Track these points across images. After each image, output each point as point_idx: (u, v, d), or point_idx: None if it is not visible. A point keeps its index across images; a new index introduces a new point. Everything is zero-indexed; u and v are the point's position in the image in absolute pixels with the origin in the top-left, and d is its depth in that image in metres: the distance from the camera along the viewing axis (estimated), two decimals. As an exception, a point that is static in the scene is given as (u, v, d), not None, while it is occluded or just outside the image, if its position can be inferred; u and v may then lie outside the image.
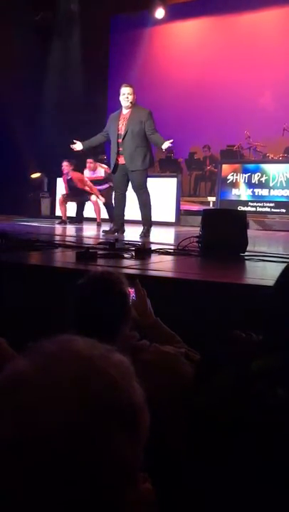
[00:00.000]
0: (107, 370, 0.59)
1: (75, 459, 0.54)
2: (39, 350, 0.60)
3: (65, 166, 7.79)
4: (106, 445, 0.56)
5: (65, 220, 7.84)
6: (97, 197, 7.73)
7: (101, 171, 8.00)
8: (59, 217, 8.19)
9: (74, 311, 1.38)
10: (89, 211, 8.16)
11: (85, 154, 7.62)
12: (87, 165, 8.05)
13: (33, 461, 0.54)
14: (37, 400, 0.55)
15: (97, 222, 7.73)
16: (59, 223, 7.74)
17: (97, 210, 7.84)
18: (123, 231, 5.80)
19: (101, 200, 7.77)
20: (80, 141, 5.96)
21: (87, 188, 7.78)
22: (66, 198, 7.99)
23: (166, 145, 5.54)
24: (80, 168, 8.02)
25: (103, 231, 6.09)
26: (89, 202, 7.98)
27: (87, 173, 8.02)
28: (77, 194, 7.87)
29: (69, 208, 8.07)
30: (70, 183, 7.91)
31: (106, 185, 7.96)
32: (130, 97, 5.58)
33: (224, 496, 0.71)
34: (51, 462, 0.54)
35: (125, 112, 5.63)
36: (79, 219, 8.04)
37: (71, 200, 8.01)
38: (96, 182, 7.97)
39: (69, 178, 7.87)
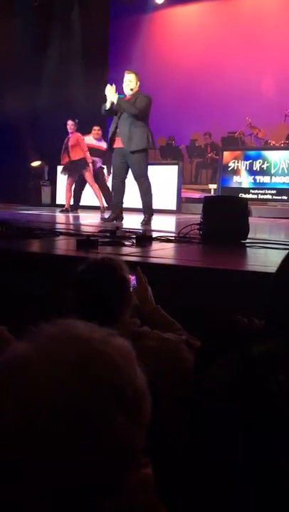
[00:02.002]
0: (108, 352, 0.59)
1: (76, 440, 0.54)
2: (40, 333, 0.60)
3: (71, 125, 7.73)
4: (107, 427, 0.56)
5: (67, 209, 7.82)
6: (88, 163, 7.61)
7: (104, 144, 7.95)
8: (61, 206, 8.16)
9: (74, 297, 1.38)
10: (87, 199, 8.13)
11: (91, 121, 7.62)
12: (93, 131, 7.97)
13: (34, 443, 0.54)
14: (38, 382, 0.55)
15: (101, 208, 7.61)
16: (61, 211, 7.72)
17: (98, 195, 7.78)
18: (122, 219, 5.77)
19: (89, 171, 7.66)
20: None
21: (81, 153, 7.67)
22: (69, 179, 7.88)
23: (114, 98, 5.44)
24: (82, 133, 7.97)
25: (101, 219, 6.07)
26: (87, 189, 7.94)
27: (90, 139, 7.94)
28: (73, 167, 7.76)
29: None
30: (66, 145, 7.82)
31: (99, 165, 7.89)
32: (131, 84, 5.52)
33: (224, 482, 0.72)
34: (52, 444, 0.54)
35: (128, 97, 5.59)
36: (75, 206, 7.99)
37: (70, 176, 7.86)
38: (96, 152, 7.88)
39: (68, 138, 7.80)
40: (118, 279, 1.39)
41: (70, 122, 7.76)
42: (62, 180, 8.59)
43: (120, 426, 0.56)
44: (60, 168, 8.84)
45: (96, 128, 8.01)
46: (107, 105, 5.60)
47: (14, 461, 0.54)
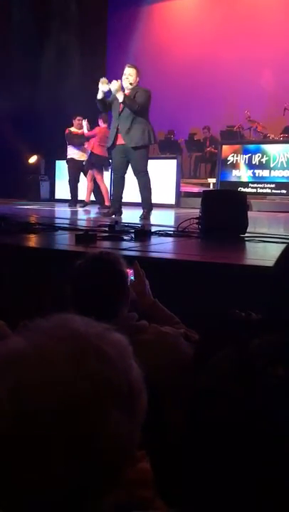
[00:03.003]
0: (103, 347, 0.58)
1: (71, 436, 0.54)
2: (35, 328, 0.60)
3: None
4: (102, 423, 0.55)
5: (88, 202, 7.83)
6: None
7: (95, 129, 7.96)
8: (59, 200, 8.15)
9: (72, 291, 1.37)
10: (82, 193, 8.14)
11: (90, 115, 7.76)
12: (79, 122, 8.03)
13: (26, 438, 0.54)
14: (32, 377, 0.55)
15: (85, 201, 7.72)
16: (82, 206, 7.71)
17: (89, 188, 7.82)
18: (120, 213, 5.78)
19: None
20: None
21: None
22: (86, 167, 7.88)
23: (120, 95, 5.42)
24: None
25: (100, 213, 6.07)
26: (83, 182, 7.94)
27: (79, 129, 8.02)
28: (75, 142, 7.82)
29: (66, 192, 8.04)
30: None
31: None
32: (130, 78, 5.50)
33: (223, 475, 0.72)
34: (44, 439, 0.54)
35: (126, 91, 5.57)
36: (73, 201, 7.97)
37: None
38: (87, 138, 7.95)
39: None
40: (115, 273, 1.39)
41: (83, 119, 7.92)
42: (64, 175, 8.63)
43: (115, 422, 0.56)
44: (58, 162, 8.85)
45: (83, 119, 8.04)
46: (99, 95, 5.61)
47: (6, 456, 0.54)
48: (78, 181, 8.08)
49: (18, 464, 0.54)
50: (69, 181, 8.10)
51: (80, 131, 8.00)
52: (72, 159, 8.03)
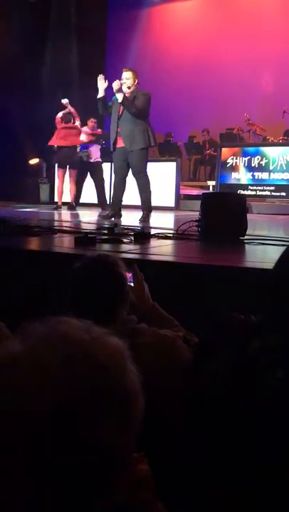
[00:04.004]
0: (96, 353, 0.58)
1: (59, 441, 0.54)
2: (31, 332, 0.60)
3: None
4: (92, 429, 0.55)
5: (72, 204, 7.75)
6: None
7: (98, 130, 7.91)
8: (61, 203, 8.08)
9: (71, 293, 1.37)
10: (85, 196, 8.11)
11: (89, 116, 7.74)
12: (91, 124, 7.95)
13: (16, 443, 0.53)
14: (24, 382, 0.55)
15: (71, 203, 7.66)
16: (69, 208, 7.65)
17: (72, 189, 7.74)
18: (120, 216, 5.78)
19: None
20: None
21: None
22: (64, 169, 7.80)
23: (120, 95, 5.42)
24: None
25: (99, 216, 6.07)
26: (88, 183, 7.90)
27: (85, 129, 7.92)
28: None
29: (66, 195, 7.98)
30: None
31: (98, 156, 7.84)
32: (128, 82, 5.51)
33: (221, 477, 0.72)
34: (34, 444, 0.53)
35: (126, 95, 5.58)
36: (74, 204, 7.93)
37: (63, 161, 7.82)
38: (95, 139, 7.87)
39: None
40: (114, 275, 1.38)
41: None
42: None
43: (106, 428, 0.55)
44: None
45: (93, 120, 7.98)
46: (100, 93, 5.66)
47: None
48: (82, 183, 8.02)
49: (5, 471, 0.53)
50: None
51: (93, 131, 7.95)
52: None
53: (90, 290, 1.34)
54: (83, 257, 1.47)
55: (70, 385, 0.55)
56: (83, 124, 7.99)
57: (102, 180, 7.81)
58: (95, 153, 7.86)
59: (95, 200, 7.92)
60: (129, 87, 5.52)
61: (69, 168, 7.78)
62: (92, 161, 7.81)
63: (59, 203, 7.87)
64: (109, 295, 1.34)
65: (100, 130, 7.91)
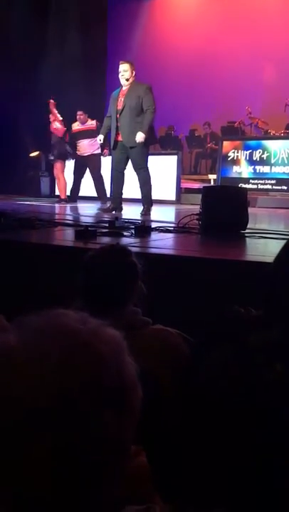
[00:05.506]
0: (94, 345, 0.58)
1: (58, 432, 0.54)
2: (27, 324, 0.59)
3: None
4: (90, 420, 0.55)
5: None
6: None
7: (92, 122, 7.82)
8: (59, 197, 8.10)
9: (82, 280, 1.38)
10: (85, 189, 8.09)
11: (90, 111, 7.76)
12: (78, 117, 7.90)
13: (13, 435, 0.53)
14: (20, 374, 0.55)
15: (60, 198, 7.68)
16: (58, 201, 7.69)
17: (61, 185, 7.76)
18: (121, 209, 5.77)
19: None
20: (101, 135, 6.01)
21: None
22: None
23: (139, 136, 5.41)
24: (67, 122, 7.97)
25: (99, 209, 6.06)
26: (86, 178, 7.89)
27: (76, 125, 7.89)
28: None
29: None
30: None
31: (104, 150, 7.79)
32: (126, 74, 5.50)
33: (220, 470, 0.72)
34: (32, 436, 0.53)
35: (124, 88, 5.56)
36: (74, 196, 7.92)
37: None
38: (88, 133, 7.79)
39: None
40: (126, 264, 1.40)
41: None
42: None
43: (105, 419, 0.55)
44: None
45: (79, 112, 7.90)
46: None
47: None
48: (82, 177, 8.00)
49: (7, 461, 0.53)
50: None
51: (85, 127, 7.91)
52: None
53: (102, 277, 1.36)
54: (100, 247, 1.50)
55: (67, 375, 0.55)
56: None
57: (99, 173, 7.76)
58: (88, 147, 7.78)
59: (95, 194, 7.91)
60: (127, 79, 5.49)
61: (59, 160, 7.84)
62: (85, 155, 7.78)
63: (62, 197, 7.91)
64: (120, 283, 1.36)
65: (95, 122, 7.80)
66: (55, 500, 0.54)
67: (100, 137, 6.07)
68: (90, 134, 7.77)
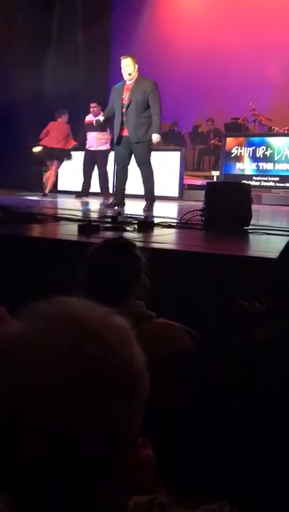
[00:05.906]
0: (103, 333, 0.57)
1: (65, 420, 0.53)
2: (36, 312, 0.59)
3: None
4: (99, 410, 0.55)
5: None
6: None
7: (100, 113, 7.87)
8: (62, 192, 8.09)
9: (86, 271, 1.39)
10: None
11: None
12: (91, 109, 7.88)
13: (20, 422, 0.53)
14: (30, 362, 0.54)
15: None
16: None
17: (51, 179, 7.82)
18: (123, 205, 5.77)
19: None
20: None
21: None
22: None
23: (155, 137, 5.42)
24: (76, 119, 7.99)
25: (102, 204, 6.05)
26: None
27: (90, 117, 7.87)
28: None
29: (69, 183, 7.99)
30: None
31: (107, 146, 7.76)
32: (128, 69, 5.47)
33: (223, 461, 0.71)
34: (40, 423, 0.53)
35: (129, 82, 5.54)
36: (84, 192, 7.89)
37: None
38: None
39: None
40: (131, 257, 1.41)
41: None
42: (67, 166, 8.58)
43: (113, 407, 0.55)
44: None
45: (93, 105, 7.88)
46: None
47: (4, 438, 0.53)
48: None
49: (11, 450, 0.53)
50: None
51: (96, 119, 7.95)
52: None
53: (106, 268, 1.36)
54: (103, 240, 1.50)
55: (76, 362, 0.55)
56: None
57: (104, 169, 7.73)
58: (95, 141, 7.75)
59: (98, 189, 7.90)
60: (130, 74, 5.47)
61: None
62: (91, 149, 7.77)
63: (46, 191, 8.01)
64: (124, 275, 1.36)
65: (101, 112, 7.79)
66: (60, 490, 0.54)
67: (100, 118, 6.10)
68: (98, 126, 7.76)
